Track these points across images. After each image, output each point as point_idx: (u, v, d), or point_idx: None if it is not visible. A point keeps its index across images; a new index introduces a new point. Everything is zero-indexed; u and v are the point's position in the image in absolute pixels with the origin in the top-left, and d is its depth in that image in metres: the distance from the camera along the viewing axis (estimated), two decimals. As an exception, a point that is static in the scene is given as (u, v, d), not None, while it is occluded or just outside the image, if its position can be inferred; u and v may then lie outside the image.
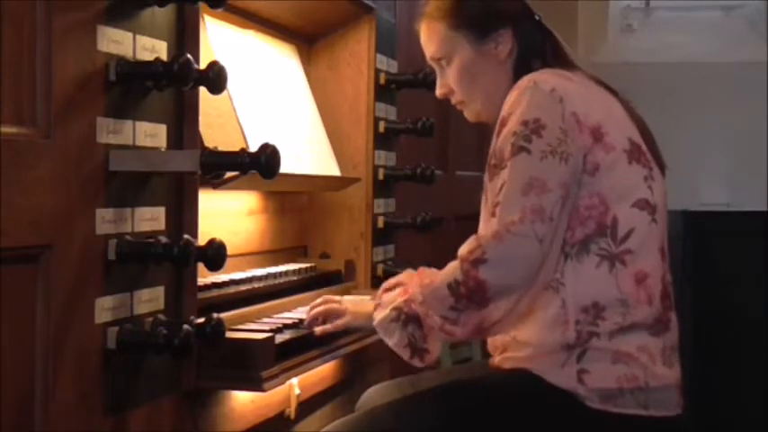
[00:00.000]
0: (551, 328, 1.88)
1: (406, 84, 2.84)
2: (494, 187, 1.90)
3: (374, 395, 2.23)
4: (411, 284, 1.93)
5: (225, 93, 1.77)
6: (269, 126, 2.36)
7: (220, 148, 1.71)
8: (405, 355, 1.93)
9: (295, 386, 2.29)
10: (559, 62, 2.07)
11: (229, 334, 1.81)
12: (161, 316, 1.70)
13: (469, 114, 2.16)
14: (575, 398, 1.87)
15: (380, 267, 2.76)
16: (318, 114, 2.70)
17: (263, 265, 2.46)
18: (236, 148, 1.69)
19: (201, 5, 1.75)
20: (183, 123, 1.78)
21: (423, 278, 1.92)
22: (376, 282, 2.66)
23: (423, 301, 1.89)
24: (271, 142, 1.68)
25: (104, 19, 1.57)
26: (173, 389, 1.79)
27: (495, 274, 1.82)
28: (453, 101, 2.17)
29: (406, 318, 1.90)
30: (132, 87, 1.64)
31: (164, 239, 1.65)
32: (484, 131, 2.14)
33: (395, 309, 1.93)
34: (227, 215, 2.35)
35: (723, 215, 4.86)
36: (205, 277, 2.08)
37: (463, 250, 1.85)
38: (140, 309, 1.68)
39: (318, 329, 2.11)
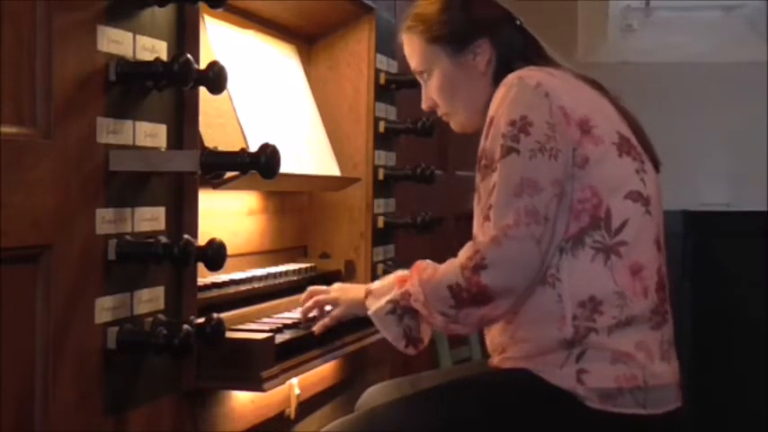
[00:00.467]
0: (549, 323, 1.88)
1: (406, 84, 2.84)
2: (486, 187, 1.90)
3: (374, 395, 2.23)
4: (409, 277, 1.94)
5: (225, 93, 1.77)
6: (269, 126, 2.35)
7: (220, 148, 1.71)
8: (400, 345, 1.97)
9: (295, 386, 2.29)
10: (544, 62, 2.07)
11: (229, 334, 1.81)
12: (161, 316, 1.70)
13: (455, 126, 2.17)
14: (574, 398, 1.87)
15: (380, 267, 2.76)
16: (318, 114, 2.70)
17: (263, 266, 2.45)
18: (236, 148, 1.68)
19: (201, 5, 1.75)
20: (183, 123, 1.78)
21: (421, 273, 1.93)
22: (376, 282, 2.66)
23: (425, 301, 1.89)
24: (271, 142, 1.68)
25: (104, 19, 1.57)
26: (173, 389, 1.78)
27: (497, 279, 1.83)
28: (439, 113, 2.18)
29: (402, 311, 1.94)
30: (132, 87, 1.64)
31: (164, 239, 1.64)
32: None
33: (390, 301, 1.95)
34: (227, 215, 2.35)
35: (723, 215, 4.86)
36: (205, 277, 2.08)
37: (462, 257, 1.86)
38: (140, 309, 1.67)
39: (318, 327, 2.11)
